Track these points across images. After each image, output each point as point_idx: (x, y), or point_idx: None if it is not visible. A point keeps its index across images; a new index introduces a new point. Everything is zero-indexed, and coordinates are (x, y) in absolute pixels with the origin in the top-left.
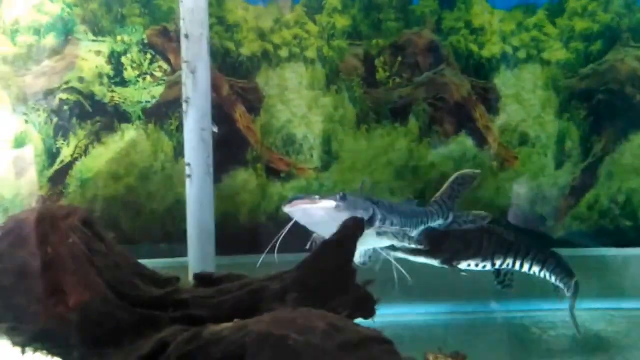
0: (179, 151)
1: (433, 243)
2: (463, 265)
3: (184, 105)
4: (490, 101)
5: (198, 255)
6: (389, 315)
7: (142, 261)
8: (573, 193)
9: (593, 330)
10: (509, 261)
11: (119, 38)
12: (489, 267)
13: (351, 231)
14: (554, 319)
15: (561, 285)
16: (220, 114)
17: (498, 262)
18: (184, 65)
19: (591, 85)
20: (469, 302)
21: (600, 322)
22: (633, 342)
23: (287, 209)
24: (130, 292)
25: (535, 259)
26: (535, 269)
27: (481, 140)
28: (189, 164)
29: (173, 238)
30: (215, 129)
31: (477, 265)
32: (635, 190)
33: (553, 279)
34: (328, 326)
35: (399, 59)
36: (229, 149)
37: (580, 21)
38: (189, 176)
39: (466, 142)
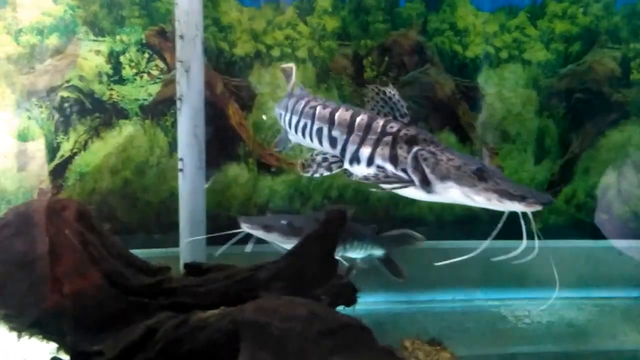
0: (173, 146)
1: (295, 230)
2: None
3: (178, 103)
4: (473, 99)
5: (189, 245)
6: (371, 303)
7: (137, 251)
8: (551, 187)
9: (566, 319)
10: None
11: (118, 38)
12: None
13: (334, 223)
14: (529, 307)
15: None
16: (214, 110)
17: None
18: (178, 65)
19: (570, 85)
20: (449, 291)
21: (574, 310)
22: (603, 330)
23: None
24: (122, 281)
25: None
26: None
27: (464, 137)
28: (182, 159)
29: (167, 229)
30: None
31: None
32: (610, 184)
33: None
34: (309, 314)
35: (386, 59)
36: (221, 145)
37: (560, 23)
38: (182, 170)
39: (449, 138)
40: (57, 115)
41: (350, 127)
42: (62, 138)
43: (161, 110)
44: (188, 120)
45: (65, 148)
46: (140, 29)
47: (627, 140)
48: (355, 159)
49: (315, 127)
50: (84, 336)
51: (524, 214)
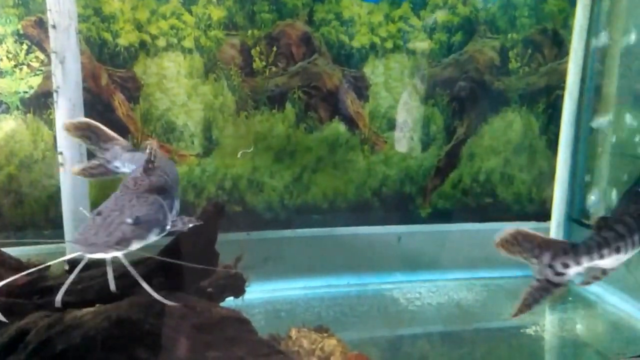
0: None
1: None
2: None
3: (54, 95)
4: (361, 89)
5: None
6: (268, 291)
7: (26, 248)
8: (438, 173)
9: (455, 299)
10: None
11: None
12: None
13: (211, 215)
14: (421, 290)
15: None
16: (99, 102)
17: None
18: (52, 56)
19: (453, 74)
20: (344, 276)
21: (463, 290)
22: (490, 309)
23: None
24: None
25: None
26: None
27: (353, 126)
28: (61, 153)
29: (57, 224)
30: None
31: None
32: (494, 169)
33: None
34: (185, 308)
35: (274, 49)
36: None
37: (442, 14)
38: (62, 164)
39: (339, 127)
40: None
41: None
42: None
43: (44, 103)
44: (66, 113)
45: None
46: (16, 19)
47: (509, 126)
48: None
49: None
50: None
51: None
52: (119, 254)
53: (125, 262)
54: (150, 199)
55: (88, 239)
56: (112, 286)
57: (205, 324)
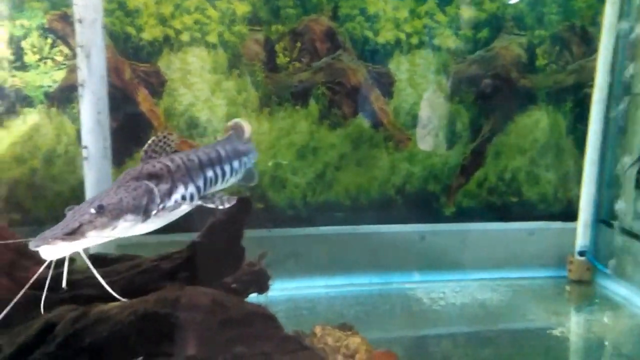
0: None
1: None
2: None
3: (80, 89)
4: (385, 85)
5: None
6: (289, 289)
7: None
8: (463, 171)
9: (479, 300)
10: None
11: (17, 22)
12: None
13: (239, 210)
14: (445, 289)
15: None
16: (123, 96)
17: None
18: (78, 50)
19: (479, 70)
20: (367, 274)
21: (487, 291)
22: (514, 310)
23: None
24: (20, 273)
25: None
26: None
27: (377, 122)
28: (85, 147)
29: None
30: None
31: None
32: (519, 168)
33: None
34: (212, 303)
35: (298, 44)
36: (131, 132)
37: (468, 10)
38: (86, 158)
39: (363, 123)
40: None
41: None
42: None
43: (67, 97)
44: (90, 106)
45: None
46: (41, 13)
47: (535, 125)
48: None
49: None
50: None
51: None
52: (71, 245)
53: (84, 256)
54: (132, 186)
55: (45, 233)
56: (64, 283)
57: (231, 320)
